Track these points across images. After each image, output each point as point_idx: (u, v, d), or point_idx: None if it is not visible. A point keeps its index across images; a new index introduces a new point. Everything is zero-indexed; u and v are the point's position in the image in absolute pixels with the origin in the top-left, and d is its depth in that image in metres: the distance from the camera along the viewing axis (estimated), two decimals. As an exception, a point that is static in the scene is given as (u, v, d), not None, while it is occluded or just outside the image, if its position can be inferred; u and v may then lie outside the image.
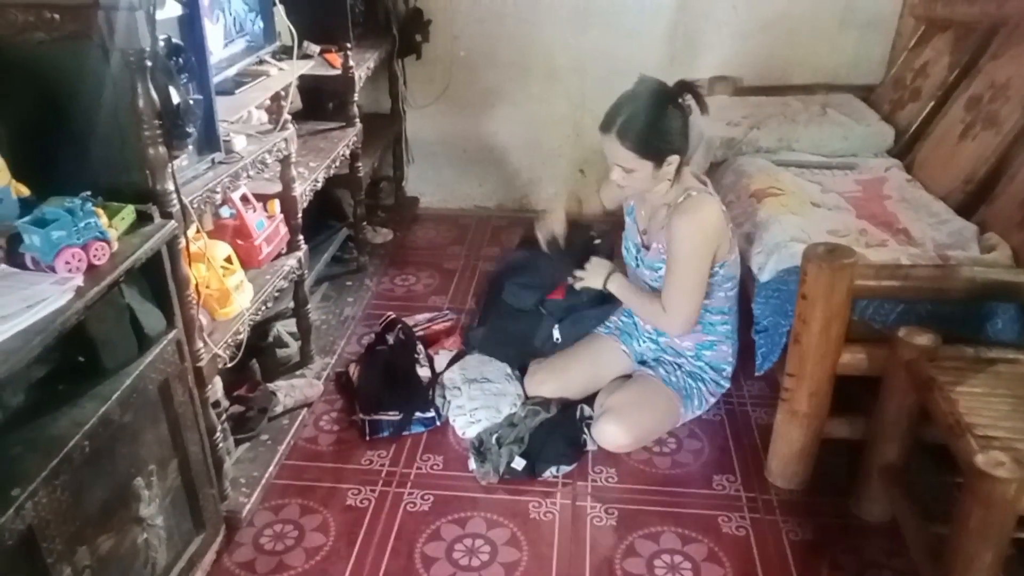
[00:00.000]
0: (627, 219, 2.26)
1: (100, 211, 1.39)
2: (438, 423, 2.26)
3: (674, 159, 1.97)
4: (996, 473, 1.37)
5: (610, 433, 2.10)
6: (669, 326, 2.12)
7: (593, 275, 2.20)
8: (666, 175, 1.99)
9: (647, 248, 2.16)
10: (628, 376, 2.28)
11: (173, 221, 1.55)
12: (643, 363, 2.28)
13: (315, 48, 2.69)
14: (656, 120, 1.93)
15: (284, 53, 2.26)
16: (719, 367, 2.23)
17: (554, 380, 2.26)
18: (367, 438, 2.21)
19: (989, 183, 2.29)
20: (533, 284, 2.37)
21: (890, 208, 2.36)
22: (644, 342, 2.28)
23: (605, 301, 2.30)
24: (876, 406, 1.86)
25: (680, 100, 1.95)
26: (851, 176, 2.60)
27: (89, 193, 1.41)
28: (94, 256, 1.36)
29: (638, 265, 2.20)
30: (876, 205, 2.38)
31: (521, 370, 2.34)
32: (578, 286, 2.24)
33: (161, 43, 1.49)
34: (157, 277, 1.55)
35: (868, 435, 1.92)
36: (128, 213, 1.48)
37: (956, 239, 2.14)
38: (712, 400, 2.25)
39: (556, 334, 2.34)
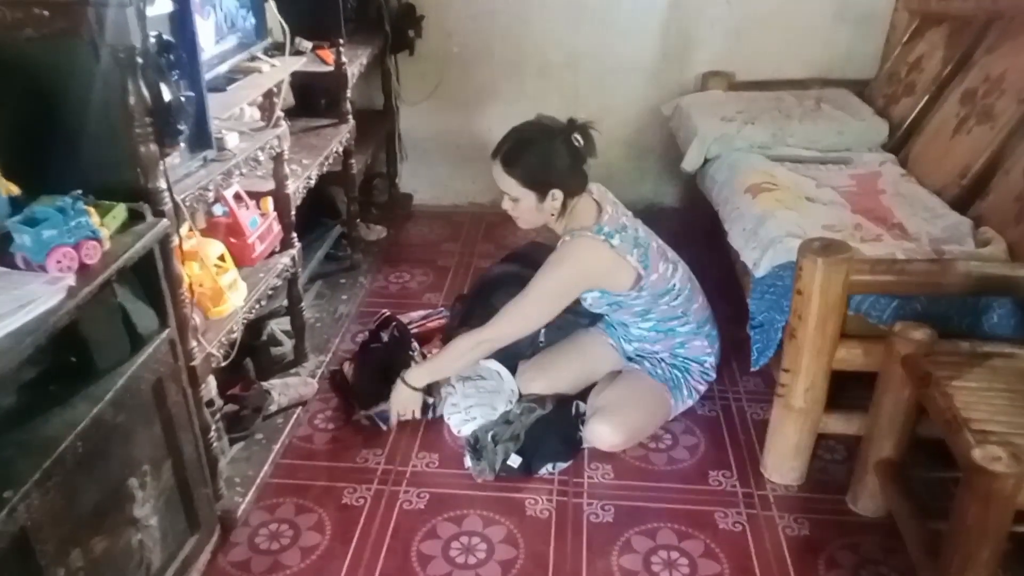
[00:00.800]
0: None
1: (91, 210, 1.38)
2: (430, 416, 2.25)
3: (558, 194, 2.04)
4: (993, 468, 1.37)
5: (602, 433, 2.09)
6: (488, 331, 2.11)
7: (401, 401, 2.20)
8: (551, 208, 2.07)
9: None
10: (619, 372, 2.27)
11: (165, 219, 1.53)
12: (630, 359, 2.28)
13: (307, 44, 2.67)
14: (541, 153, 2.03)
15: (276, 49, 2.25)
16: (700, 360, 2.22)
17: (544, 377, 2.26)
18: (385, 427, 2.21)
19: (984, 178, 2.29)
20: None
21: (885, 203, 2.36)
22: (626, 337, 2.27)
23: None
24: (872, 401, 1.86)
25: (571, 137, 2.02)
26: (846, 171, 2.60)
27: (80, 192, 1.39)
28: (85, 255, 1.34)
29: None
30: (871, 200, 2.38)
31: (506, 366, 2.32)
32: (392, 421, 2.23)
33: (152, 40, 1.47)
34: (150, 276, 1.53)
35: (864, 431, 1.92)
36: (120, 212, 1.46)
37: (951, 234, 2.14)
38: (701, 389, 2.24)
39: (541, 336, 2.33)
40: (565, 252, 2.07)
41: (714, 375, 2.26)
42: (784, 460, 2.03)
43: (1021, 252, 2.00)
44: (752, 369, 2.10)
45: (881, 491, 1.88)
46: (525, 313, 2.11)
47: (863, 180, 2.52)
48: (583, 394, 2.25)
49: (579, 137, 2.02)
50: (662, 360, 2.22)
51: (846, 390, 1.97)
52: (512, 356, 2.31)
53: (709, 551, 1.86)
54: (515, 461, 2.05)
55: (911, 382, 1.72)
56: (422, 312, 2.68)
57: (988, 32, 2.56)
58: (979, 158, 2.31)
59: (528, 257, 2.48)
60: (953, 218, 2.21)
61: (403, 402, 2.20)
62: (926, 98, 2.72)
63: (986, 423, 1.50)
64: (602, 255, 2.06)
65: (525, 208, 2.08)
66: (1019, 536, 1.49)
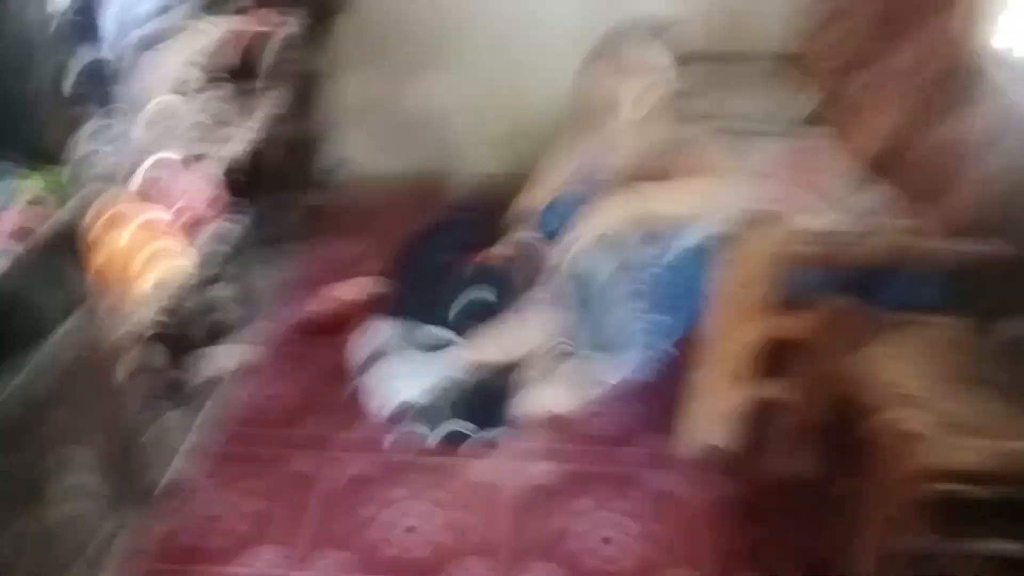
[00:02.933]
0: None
1: (19, 176, 1.33)
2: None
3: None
4: (908, 428, 1.46)
5: (547, 395, 2.14)
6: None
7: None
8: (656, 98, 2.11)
9: None
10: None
11: (95, 183, 1.49)
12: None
13: (245, 3, 2.59)
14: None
15: (213, 5, 2.18)
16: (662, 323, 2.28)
17: (491, 344, 2.28)
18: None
19: (907, 151, 2.38)
20: (455, 244, 2.38)
21: (815, 175, 2.43)
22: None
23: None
24: (798, 368, 1.95)
25: None
26: (777, 143, 2.67)
27: (12, 157, 1.35)
28: (12, 223, 1.30)
29: None
30: (802, 172, 2.45)
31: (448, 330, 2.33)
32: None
33: (79, -1, 1.42)
34: (78, 244, 1.50)
35: (790, 395, 2.00)
36: (50, 176, 1.42)
37: (875, 206, 2.23)
38: (648, 355, 2.30)
39: (481, 294, 2.34)
40: None
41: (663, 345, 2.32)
42: (715, 423, 2.11)
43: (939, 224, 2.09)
44: (683, 336, 2.17)
45: (806, 453, 1.97)
46: None
47: (795, 152, 2.59)
48: (526, 362, 2.29)
49: None
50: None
51: (774, 357, 2.05)
52: (455, 318, 2.32)
53: (644, 511, 1.93)
54: (459, 426, 2.08)
55: (834, 348, 1.81)
56: (361, 278, 2.66)
57: (918, 5, 2.63)
58: (907, 132, 2.40)
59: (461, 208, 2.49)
60: (880, 190, 2.30)
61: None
62: (859, 71, 2.79)
63: (901, 387, 1.59)
64: None
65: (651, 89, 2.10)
66: (940, 498, 1.59)
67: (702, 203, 2.17)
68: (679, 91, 2.81)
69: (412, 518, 1.89)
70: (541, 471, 2.04)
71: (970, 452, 1.48)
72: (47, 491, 1.40)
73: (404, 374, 2.23)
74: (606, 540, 1.85)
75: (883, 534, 1.56)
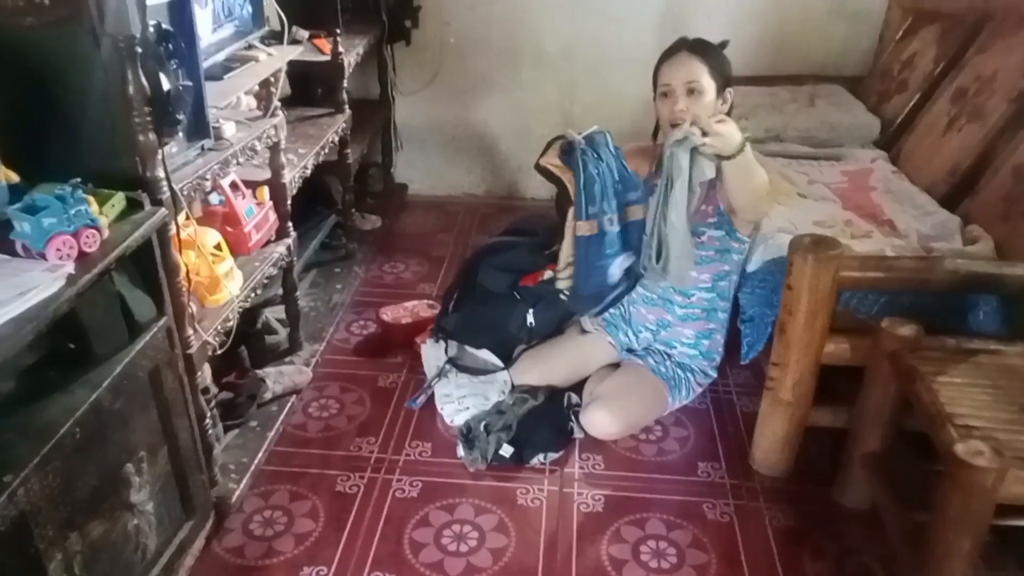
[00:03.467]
0: (651, 199, 2.12)
1: (90, 198, 1.39)
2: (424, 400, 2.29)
3: (730, 95, 2.08)
4: (975, 462, 1.40)
5: (599, 420, 2.12)
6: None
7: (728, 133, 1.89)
8: (721, 109, 2.06)
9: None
10: (616, 365, 2.30)
11: (163, 208, 1.55)
12: (631, 351, 2.30)
13: (304, 34, 2.67)
14: (722, 50, 2.08)
15: (273, 38, 2.25)
16: (711, 356, 2.25)
17: (539, 369, 2.28)
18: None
19: (973, 176, 2.32)
20: (509, 268, 2.37)
21: (875, 199, 2.39)
22: (640, 332, 2.29)
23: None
24: (859, 395, 1.89)
25: None
26: (837, 167, 2.63)
27: (79, 180, 1.41)
28: (85, 243, 1.35)
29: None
30: (862, 196, 2.41)
31: (501, 356, 2.34)
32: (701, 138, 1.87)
33: (151, 29, 1.48)
34: (147, 264, 1.55)
35: (851, 424, 1.95)
36: (118, 200, 1.47)
37: (940, 231, 2.17)
38: (699, 389, 2.27)
39: (530, 319, 2.34)
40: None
41: (715, 375, 2.29)
42: (772, 452, 2.06)
43: (1008, 250, 2.03)
44: (742, 362, 2.13)
45: (866, 483, 1.91)
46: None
47: (854, 176, 2.54)
48: (575, 386, 2.28)
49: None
50: (668, 357, 2.24)
51: (834, 384, 2.00)
52: (505, 341, 2.33)
53: (697, 541, 1.89)
54: (507, 451, 2.07)
55: (897, 377, 1.75)
56: (414, 302, 2.70)
57: (980, 32, 2.59)
58: (968, 156, 2.35)
59: (520, 230, 2.50)
60: (942, 215, 2.24)
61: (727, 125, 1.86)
62: (918, 96, 2.74)
63: (969, 418, 1.53)
64: None
65: (705, 102, 2.01)
66: (1000, 529, 1.53)
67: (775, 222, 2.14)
68: (741, 115, 2.79)
69: (460, 542, 1.88)
70: (592, 498, 2.01)
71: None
72: (108, 504, 1.43)
73: (455, 398, 2.24)
74: (657, 571, 1.82)
75: (954, 569, 1.50)
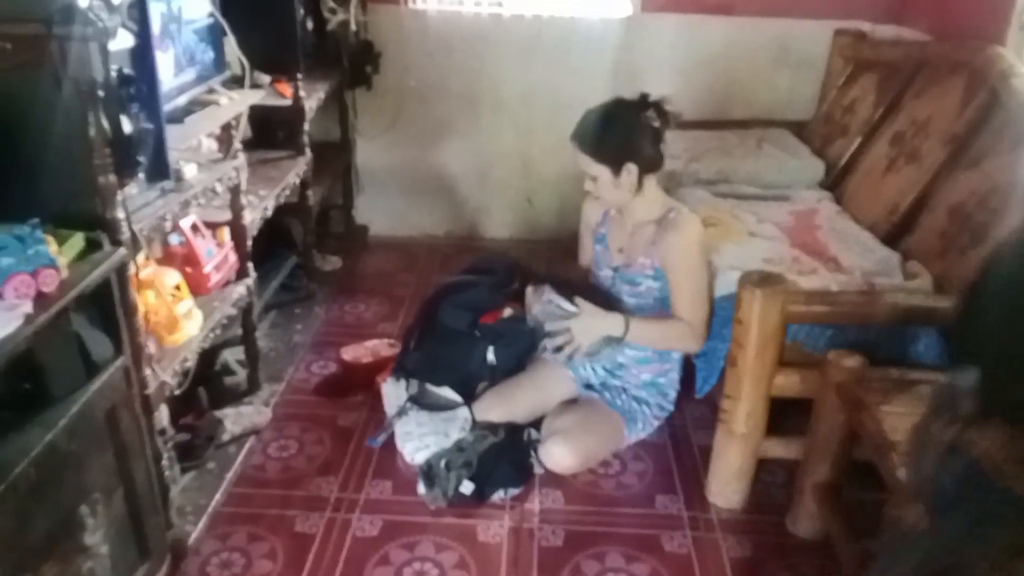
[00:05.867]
0: (597, 247, 2.34)
1: (49, 238, 1.40)
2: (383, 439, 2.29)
3: (632, 168, 2.09)
4: (917, 487, 1.45)
5: (557, 455, 2.15)
6: (695, 340, 2.14)
7: (593, 328, 2.12)
8: (628, 185, 2.11)
9: (627, 265, 2.23)
10: (574, 400, 2.33)
11: (123, 249, 1.56)
12: (589, 387, 2.34)
13: (266, 78, 2.72)
14: (612, 129, 2.08)
15: (235, 83, 2.28)
16: (665, 392, 2.30)
17: (501, 406, 2.30)
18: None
19: (912, 215, 2.42)
20: (469, 306, 2.40)
21: (821, 238, 2.48)
22: (597, 369, 2.33)
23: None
24: (809, 427, 1.95)
25: (643, 114, 2.08)
26: (785, 207, 2.72)
27: (38, 220, 1.41)
28: (43, 283, 1.36)
29: (613, 283, 2.27)
30: (808, 235, 2.50)
31: (462, 395, 2.35)
32: (568, 352, 2.14)
33: (113, 73, 1.51)
34: (106, 304, 1.55)
35: (802, 455, 2.00)
36: (77, 241, 1.48)
37: (882, 267, 2.26)
38: (656, 423, 2.31)
39: (491, 356, 2.36)
40: (685, 224, 2.12)
41: (671, 409, 2.34)
42: (727, 484, 2.10)
43: (946, 284, 2.12)
44: (697, 396, 2.19)
45: (818, 513, 1.96)
46: (702, 295, 2.13)
47: (801, 216, 2.64)
48: (535, 422, 2.30)
49: (653, 113, 2.08)
50: (624, 391, 2.28)
51: (785, 416, 2.06)
52: (466, 380, 2.35)
53: (655, 573, 1.91)
54: (467, 488, 2.08)
55: (844, 408, 1.81)
56: (375, 341, 2.71)
57: (915, 78, 2.73)
58: (907, 197, 2.45)
59: (479, 269, 2.54)
60: (883, 252, 2.34)
61: (587, 331, 2.11)
62: (859, 139, 2.87)
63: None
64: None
65: (603, 185, 2.11)
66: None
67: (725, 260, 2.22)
68: (692, 158, 2.89)
69: (422, 580, 1.88)
70: (552, 532, 2.03)
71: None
72: (61, 547, 1.41)
73: (416, 436, 2.25)
74: (618, 603, 1.83)
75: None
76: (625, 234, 2.24)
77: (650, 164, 2.13)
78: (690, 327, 2.13)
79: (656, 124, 2.09)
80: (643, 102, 2.09)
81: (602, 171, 2.09)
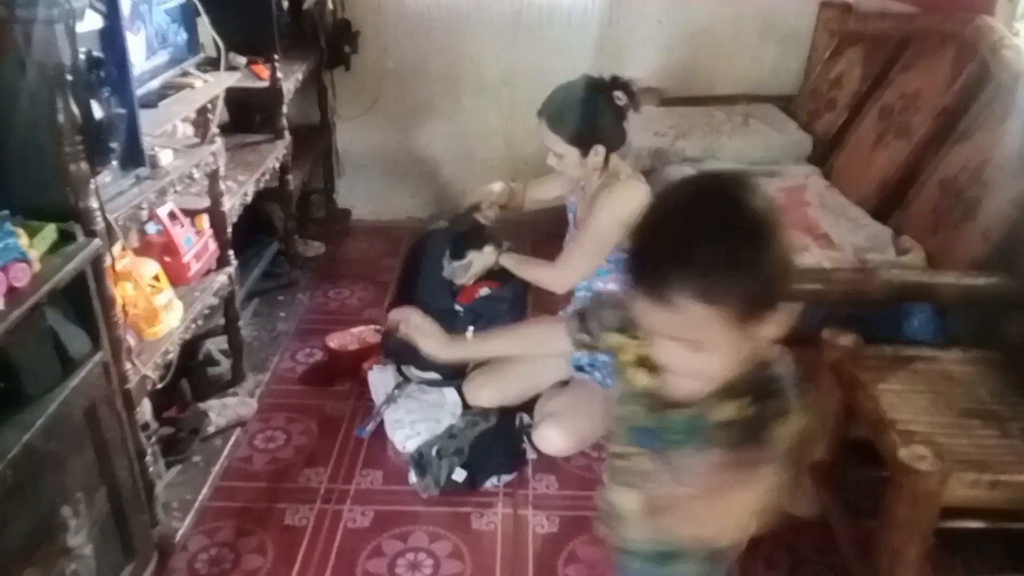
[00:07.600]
0: (569, 215, 2.33)
1: (20, 231, 1.34)
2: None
3: (600, 149, 2.07)
4: (918, 466, 1.44)
5: (550, 438, 2.12)
6: (552, 279, 2.19)
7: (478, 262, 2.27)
8: (594, 164, 2.10)
9: None
10: (566, 382, 2.30)
11: (97, 239, 1.50)
12: (580, 368, 2.31)
13: (241, 60, 2.63)
14: (582, 110, 2.05)
15: (209, 65, 2.21)
16: None
17: (491, 387, 2.27)
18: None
19: (902, 189, 2.40)
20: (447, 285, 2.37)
21: (811, 214, 2.45)
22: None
23: (514, 300, 2.34)
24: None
25: (612, 94, 2.06)
26: (774, 183, 2.69)
27: (7, 212, 1.34)
28: (14, 278, 1.30)
29: None
30: (797, 211, 2.47)
31: (446, 376, 2.31)
32: (461, 280, 2.30)
33: (81, 57, 1.44)
34: (81, 298, 1.49)
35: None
36: (49, 232, 1.42)
37: (873, 243, 2.24)
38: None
39: (470, 336, 2.33)
40: (618, 188, 2.08)
41: None
42: (722, 465, 2.08)
43: (938, 260, 2.10)
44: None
45: (815, 492, 1.95)
46: (584, 249, 2.13)
47: (790, 192, 2.61)
48: (527, 405, 2.27)
49: (621, 94, 2.06)
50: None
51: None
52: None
53: (652, 557, 1.89)
54: (460, 475, 2.05)
55: (839, 386, 1.79)
56: (360, 328, 2.66)
57: (903, 51, 2.69)
58: (897, 171, 2.43)
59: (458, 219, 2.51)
60: (875, 228, 2.32)
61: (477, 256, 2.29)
62: (847, 114, 2.84)
63: (910, 423, 1.58)
64: (642, 204, 2.09)
65: (570, 164, 2.10)
66: (946, 532, 1.57)
67: None
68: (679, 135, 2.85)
69: (415, 571, 1.85)
70: (547, 518, 2.00)
71: (980, 487, 1.46)
72: (43, 550, 1.37)
73: (406, 423, 2.21)
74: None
75: (903, 573, 1.53)
76: (585, 206, 2.22)
77: (616, 143, 2.12)
78: (556, 271, 2.17)
79: (622, 104, 2.07)
80: (612, 82, 2.07)
81: (570, 151, 2.08)
